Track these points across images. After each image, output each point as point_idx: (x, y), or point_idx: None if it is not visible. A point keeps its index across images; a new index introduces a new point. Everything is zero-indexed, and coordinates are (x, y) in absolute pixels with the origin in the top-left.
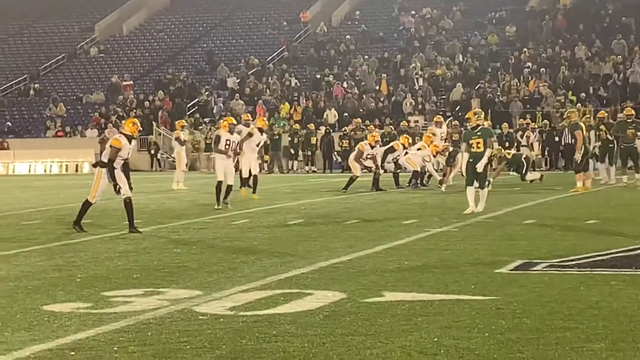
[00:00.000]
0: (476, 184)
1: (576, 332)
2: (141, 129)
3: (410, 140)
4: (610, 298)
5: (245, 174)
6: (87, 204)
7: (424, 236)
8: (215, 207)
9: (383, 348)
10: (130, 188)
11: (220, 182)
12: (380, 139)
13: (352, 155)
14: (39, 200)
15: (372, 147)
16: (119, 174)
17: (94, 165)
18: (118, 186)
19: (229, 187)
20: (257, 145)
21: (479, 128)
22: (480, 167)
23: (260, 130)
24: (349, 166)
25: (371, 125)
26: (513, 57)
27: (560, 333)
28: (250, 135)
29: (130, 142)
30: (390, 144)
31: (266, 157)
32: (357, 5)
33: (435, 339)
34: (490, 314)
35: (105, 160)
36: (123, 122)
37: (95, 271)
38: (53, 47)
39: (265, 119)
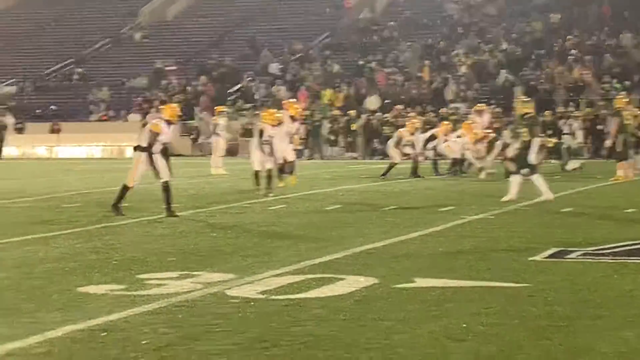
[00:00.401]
0: (523, 171)
1: (607, 320)
2: (180, 114)
3: (451, 128)
4: None
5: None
6: (125, 188)
7: (460, 223)
8: (260, 192)
9: (411, 333)
10: (170, 172)
11: (257, 172)
12: (420, 126)
13: (392, 142)
14: (81, 183)
15: (412, 134)
16: (159, 159)
17: (134, 150)
18: (158, 171)
19: (269, 172)
20: (289, 134)
21: (527, 116)
22: (532, 157)
23: (293, 118)
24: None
25: (412, 112)
26: (557, 44)
27: (591, 321)
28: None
29: (169, 127)
30: (431, 132)
31: (297, 142)
32: None
33: (464, 325)
34: (522, 301)
35: (145, 145)
36: (163, 107)
37: (132, 254)
38: (98, 32)
39: (298, 106)
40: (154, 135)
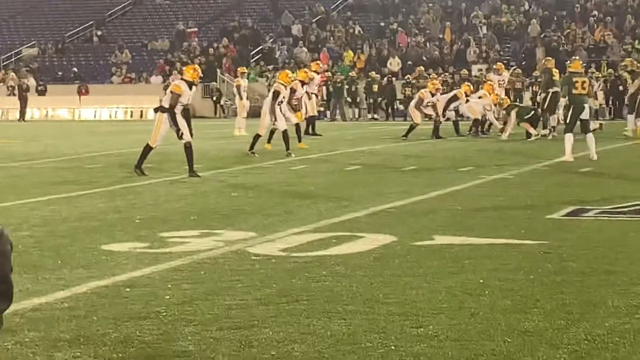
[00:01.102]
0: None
1: (620, 275)
2: (202, 75)
3: (472, 88)
4: None
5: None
6: (148, 148)
7: (479, 183)
8: (286, 153)
9: (429, 288)
10: (191, 133)
11: (285, 130)
12: (440, 87)
13: (413, 103)
14: (103, 145)
15: (433, 95)
16: (180, 119)
17: (155, 111)
18: (180, 131)
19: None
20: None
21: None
22: (585, 114)
23: (302, 82)
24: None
25: (433, 74)
26: (579, 6)
27: (605, 276)
28: (293, 90)
29: (190, 88)
30: (453, 92)
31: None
32: None
33: (481, 281)
34: (537, 258)
35: (167, 106)
36: (184, 68)
37: (154, 213)
38: None
39: (308, 70)
40: (176, 96)
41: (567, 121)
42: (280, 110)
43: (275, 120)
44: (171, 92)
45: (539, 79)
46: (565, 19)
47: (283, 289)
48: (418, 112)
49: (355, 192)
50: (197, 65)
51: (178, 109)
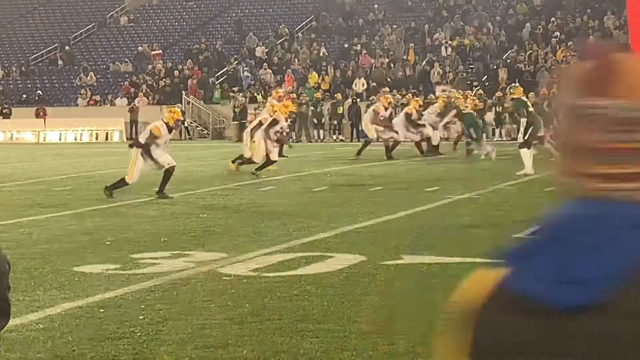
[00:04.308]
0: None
1: None
2: (181, 119)
3: (421, 103)
4: None
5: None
6: (123, 182)
7: (446, 202)
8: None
9: (398, 307)
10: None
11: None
12: (392, 101)
13: (367, 118)
14: (70, 167)
15: (386, 109)
16: (156, 152)
17: (130, 146)
18: (160, 165)
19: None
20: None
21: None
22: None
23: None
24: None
25: (398, 95)
26: (541, 27)
27: None
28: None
29: (170, 131)
30: (404, 110)
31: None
32: None
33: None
34: None
35: (142, 142)
36: (168, 109)
37: (124, 235)
38: (83, 16)
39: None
40: (153, 137)
41: (526, 138)
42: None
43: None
44: (150, 132)
45: (501, 100)
46: (528, 40)
47: (255, 309)
48: (373, 127)
49: (323, 213)
50: (176, 109)
51: (153, 147)
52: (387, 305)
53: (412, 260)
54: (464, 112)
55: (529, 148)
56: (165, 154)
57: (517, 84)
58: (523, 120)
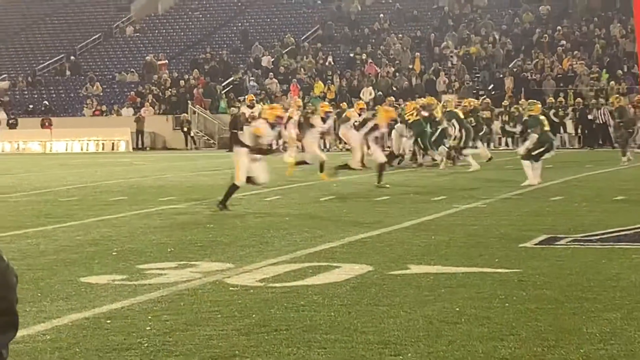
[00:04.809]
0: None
1: (594, 302)
2: (281, 115)
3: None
4: (629, 270)
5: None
6: (234, 187)
7: (452, 212)
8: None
9: (406, 317)
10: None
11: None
12: (365, 107)
13: (343, 126)
14: (76, 177)
15: (360, 115)
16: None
17: (233, 144)
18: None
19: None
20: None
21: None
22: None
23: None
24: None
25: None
26: (547, 36)
27: (578, 303)
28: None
29: (272, 128)
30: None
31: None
32: None
33: (457, 309)
34: (512, 286)
35: (248, 144)
36: (265, 108)
37: (131, 245)
38: (89, 27)
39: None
40: (256, 137)
41: (534, 153)
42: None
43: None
44: (252, 134)
45: (507, 109)
46: (534, 49)
47: (262, 319)
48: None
49: (329, 223)
50: (277, 105)
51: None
52: (395, 316)
53: (419, 270)
54: (410, 121)
55: (536, 161)
56: (264, 169)
57: (536, 101)
58: (534, 136)
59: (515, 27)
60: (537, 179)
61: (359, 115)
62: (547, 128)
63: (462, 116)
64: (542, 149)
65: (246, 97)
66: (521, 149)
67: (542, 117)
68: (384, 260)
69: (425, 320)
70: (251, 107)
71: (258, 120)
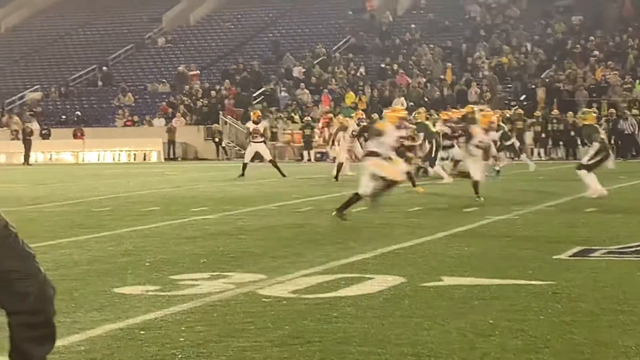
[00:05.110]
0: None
1: (629, 315)
2: (404, 116)
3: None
4: None
5: None
6: (357, 197)
7: (485, 223)
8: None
9: (439, 329)
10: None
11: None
12: (362, 117)
13: (342, 137)
14: (109, 188)
15: (358, 125)
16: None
17: (364, 155)
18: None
19: None
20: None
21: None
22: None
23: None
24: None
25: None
26: (580, 46)
27: (614, 316)
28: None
29: (399, 129)
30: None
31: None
32: None
33: (491, 321)
34: (546, 298)
35: (374, 150)
36: (387, 111)
37: (164, 256)
38: (121, 37)
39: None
40: (377, 132)
41: (590, 163)
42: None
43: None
44: (375, 129)
45: (540, 119)
46: (566, 59)
47: (295, 331)
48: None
49: (362, 234)
50: (399, 107)
51: (386, 150)
52: (428, 328)
53: (452, 282)
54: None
55: (589, 172)
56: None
57: (590, 110)
58: (596, 145)
59: (548, 37)
60: (599, 187)
61: (357, 125)
62: (603, 136)
63: (432, 129)
64: (598, 159)
65: (253, 112)
66: (584, 159)
67: (596, 125)
68: (417, 271)
69: (458, 332)
70: (256, 122)
71: (384, 123)
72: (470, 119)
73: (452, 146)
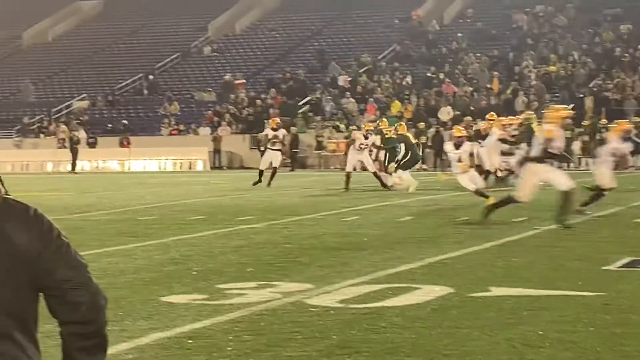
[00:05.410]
0: None
1: None
2: (568, 116)
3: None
4: None
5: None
6: (509, 200)
7: (533, 234)
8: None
9: (488, 340)
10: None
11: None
12: (372, 131)
13: (351, 148)
14: (155, 196)
15: (366, 138)
16: (555, 172)
17: (521, 163)
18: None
19: None
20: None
21: None
22: None
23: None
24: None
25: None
26: (628, 54)
27: None
28: None
29: (561, 131)
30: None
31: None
32: (469, 3)
33: (540, 332)
34: (596, 309)
35: (537, 155)
36: (547, 110)
37: (210, 265)
38: (167, 46)
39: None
40: (548, 141)
41: None
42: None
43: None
44: (545, 139)
45: (588, 129)
46: (614, 68)
47: (343, 341)
48: (351, 157)
49: (409, 243)
50: (561, 106)
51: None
52: (477, 339)
53: (501, 293)
54: (386, 136)
55: None
56: (563, 175)
57: None
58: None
59: (596, 46)
60: None
61: (365, 138)
62: None
63: (412, 140)
64: None
65: (271, 119)
66: None
67: None
68: (465, 282)
69: (507, 343)
70: (275, 130)
71: (548, 125)
72: (527, 126)
73: (511, 153)
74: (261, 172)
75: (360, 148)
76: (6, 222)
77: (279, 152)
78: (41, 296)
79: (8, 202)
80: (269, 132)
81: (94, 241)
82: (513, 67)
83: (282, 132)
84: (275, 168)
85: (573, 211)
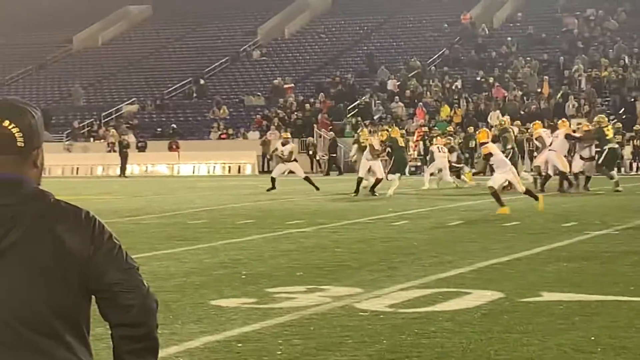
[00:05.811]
0: None
1: None
2: None
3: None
4: None
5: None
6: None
7: (584, 239)
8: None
9: (540, 345)
10: None
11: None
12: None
13: (365, 153)
14: (204, 200)
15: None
16: None
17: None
18: None
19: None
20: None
21: None
22: None
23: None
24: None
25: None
26: None
27: None
28: None
29: None
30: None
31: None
32: (519, 6)
33: (592, 338)
34: None
35: None
36: None
37: (259, 269)
38: (216, 50)
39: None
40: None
41: None
42: None
43: None
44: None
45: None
46: None
47: (393, 345)
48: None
49: (458, 248)
50: None
51: None
52: (528, 344)
53: (552, 298)
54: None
55: None
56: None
57: None
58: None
59: None
60: None
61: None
62: None
63: (400, 144)
64: None
65: (283, 132)
66: None
67: None
68: (515, 287)
69: (559, 349)
70: (284, 144)
71: None
72: (600, 130)
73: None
74: (273, 180)
75: (373, 155)
76: (58, 224)
77: (288, 163)
78: (93, 299)
79: (59, 204)
80: (278, 145)
81: (143, 245)
82: (563, 71)
83: (288, 148)
84: (273, 179)
85: None
